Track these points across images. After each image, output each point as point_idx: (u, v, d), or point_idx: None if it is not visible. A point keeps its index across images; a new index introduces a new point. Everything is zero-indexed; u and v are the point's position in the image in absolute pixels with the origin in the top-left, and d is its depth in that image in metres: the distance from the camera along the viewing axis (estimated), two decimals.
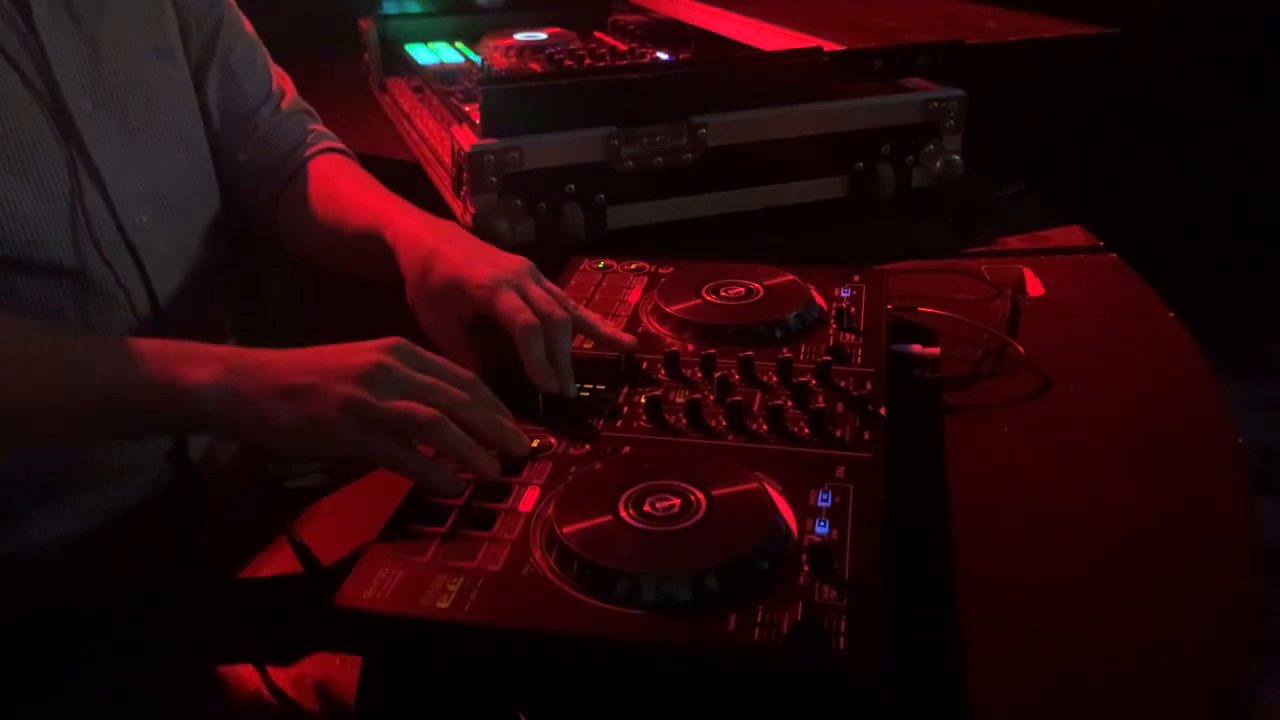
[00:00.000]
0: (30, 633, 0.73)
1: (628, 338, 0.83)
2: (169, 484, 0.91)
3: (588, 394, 0.78)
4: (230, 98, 1.03)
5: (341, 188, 1.01)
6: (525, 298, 0.79)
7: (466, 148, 1.09)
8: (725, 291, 0.90)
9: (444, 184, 1.22)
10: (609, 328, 0.83)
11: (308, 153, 1.05)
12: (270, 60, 1.09)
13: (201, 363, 0.68)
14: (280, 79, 1.10)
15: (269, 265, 1.63)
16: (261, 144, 1.05)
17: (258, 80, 1.06)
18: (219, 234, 1.00)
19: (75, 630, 0.74)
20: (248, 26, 1.07)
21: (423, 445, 0.67)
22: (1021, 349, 0.91)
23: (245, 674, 0.63)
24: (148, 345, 0.70)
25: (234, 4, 1.05)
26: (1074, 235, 1.19)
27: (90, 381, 0.68)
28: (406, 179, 1.31)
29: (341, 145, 1.09)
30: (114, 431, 0.78)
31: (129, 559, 0.86)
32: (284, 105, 1.08)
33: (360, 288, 0.97)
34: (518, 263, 0.83)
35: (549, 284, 0.84)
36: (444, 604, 0.57)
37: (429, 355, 0.71)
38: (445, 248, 0.84)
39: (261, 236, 1.09)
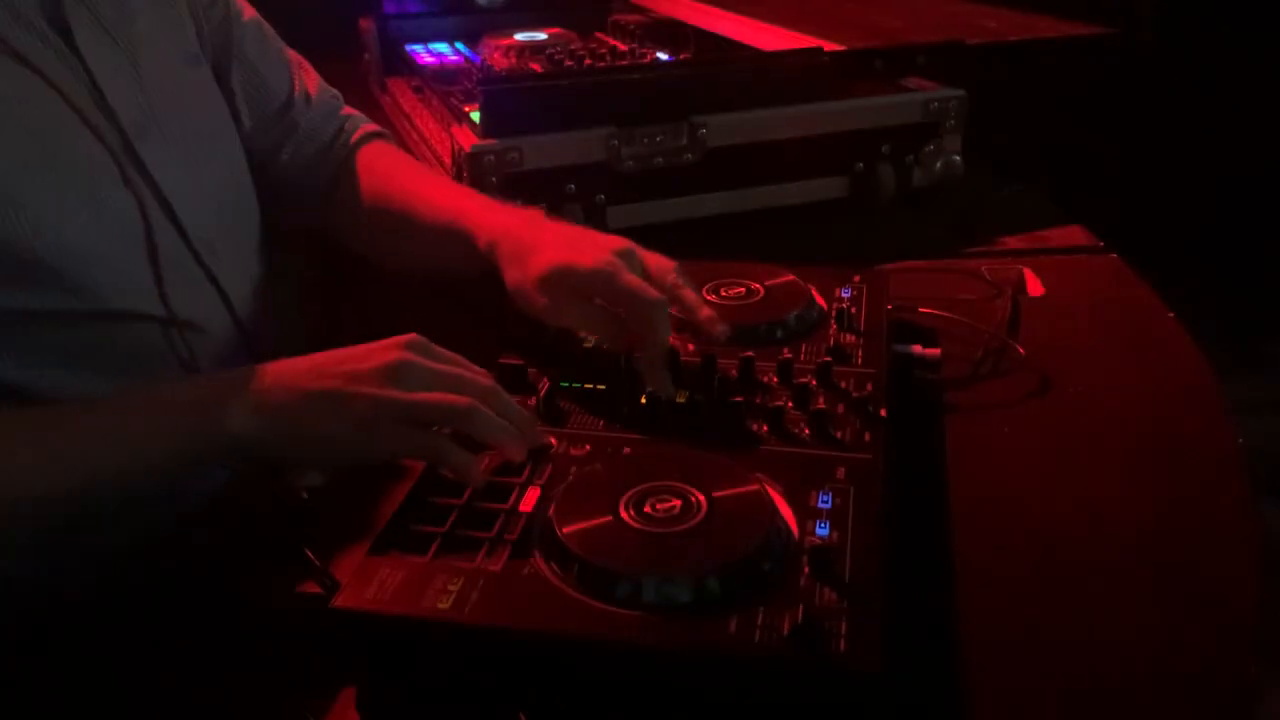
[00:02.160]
0: (35, 629, 0.73)
1: (719, 328, 0.80)
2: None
3: (590, 389, 0.78)
4: (255, 93, 0.98)
5: (400, 182, 0.98)
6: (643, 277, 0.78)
7: (466, 148, 1.09)
8: (725, 291, 0.90)
9: None
10: (706, 310, 0.81)
11: (351, 141, 1.03)
12: (282, 43, 1.04)
13: (228, 406, 0.67)
14: (299, 65, 1.05)
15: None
16: (300, 142, 1.02)
17: (275, 67, 1.01)
18: (266, 241, 0.97)
19: (75, 626, 0.75)
20: (248, 10, 1.00)
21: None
22: (1022, 349, 0.91)
23: (245, 672, 0.63)
24: (167, 399, 0.70)
25: None
26: (1074, 235, 1.19)
27: (122, 456, 0.68)
28: None
29: (377, 127, 1.07)
30: (164, 485, 0.76)
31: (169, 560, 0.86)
32: (313, 96, 1.04)
33: (366, 287, 0.97)
34: (621, 243, 0.81)
35: (654, 257, 0.81)
36: (444, 604, 0.57)
37: (442, 350, 0.72)
38: (544, 234, 0.82)
39: (320, 233, 1.06)
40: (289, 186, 1.02)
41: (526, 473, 0.68)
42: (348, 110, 1.08)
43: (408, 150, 1.40)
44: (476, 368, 0.72)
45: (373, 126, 1.07)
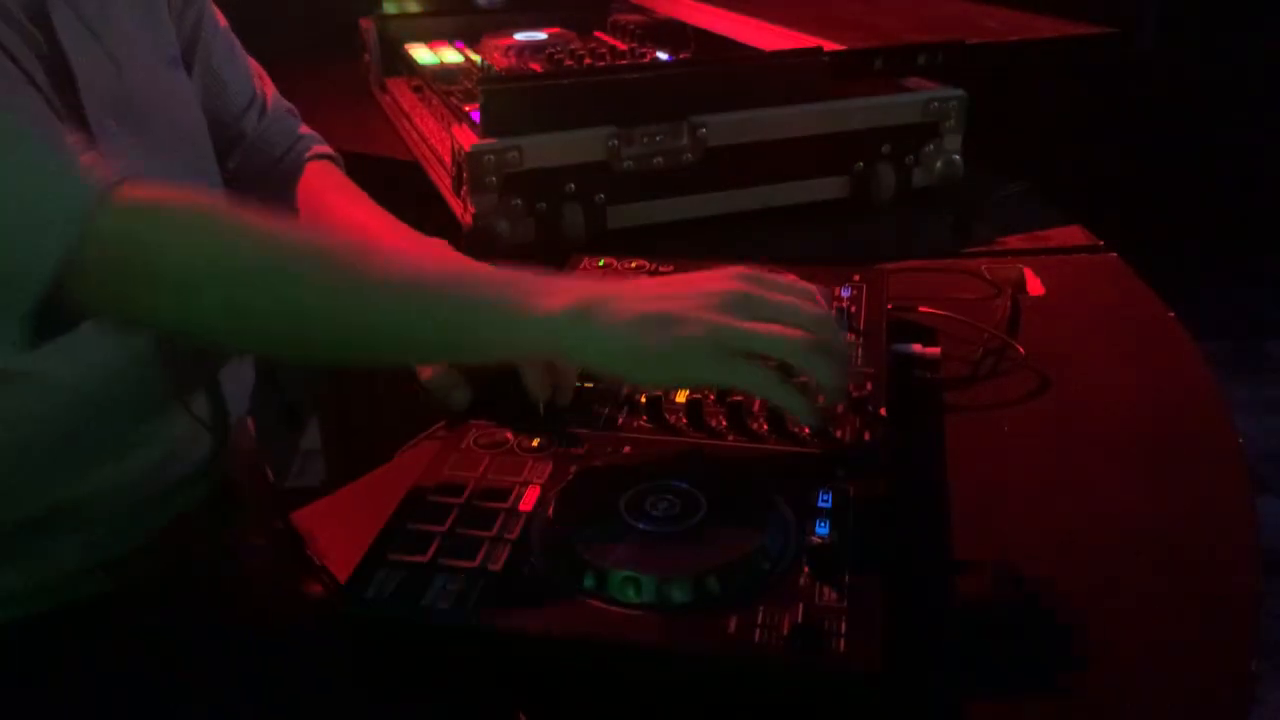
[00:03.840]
0: (36, 633, 0.74)
1: None
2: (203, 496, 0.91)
3: (590, 386, 0.78)
4: (215, 99, 1.01)
5: (329, 202, 1.00)
6: None
7: (466, 147, 1.09)
8: None
9: (444, 184, 1.22)
10: None
11: (300, 159, 1.04)
12: (247, 56, 1.06)
13: (554, 293, 0.68)
14: (259, 77, 1.07)
15: None
16: (249, 151, 1.03)
17: (239, 77, 1.03)
18: None
19: (79, 630, 0.75)
20: (221, 20, 1.03)
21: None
22: (1021, 349, 0.91)
23: (246, 674, 0.63)
24: (497, 274, 0.70)
25: None
26: (1074, 235, 1.19)
27: (439, 308, 0.69)
28: (406, 179, 1.32)
29: (328, 149, 1.08)
30: (453, 355, 0.77)
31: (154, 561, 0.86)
32: (268, 108, 1.05)
33: None
34: None
35: None
36: (444, 605, 0.57)
37: (777, 277, 0.71)
38: None
39: None
40: (236, 194, 1.02)
41: (526, 472, 0.68)
42: (305, 130, 1.08)
43: (408, 151, 1.41)
44: (812, 297, 0.71)
45: (324, 148, 1.08)
